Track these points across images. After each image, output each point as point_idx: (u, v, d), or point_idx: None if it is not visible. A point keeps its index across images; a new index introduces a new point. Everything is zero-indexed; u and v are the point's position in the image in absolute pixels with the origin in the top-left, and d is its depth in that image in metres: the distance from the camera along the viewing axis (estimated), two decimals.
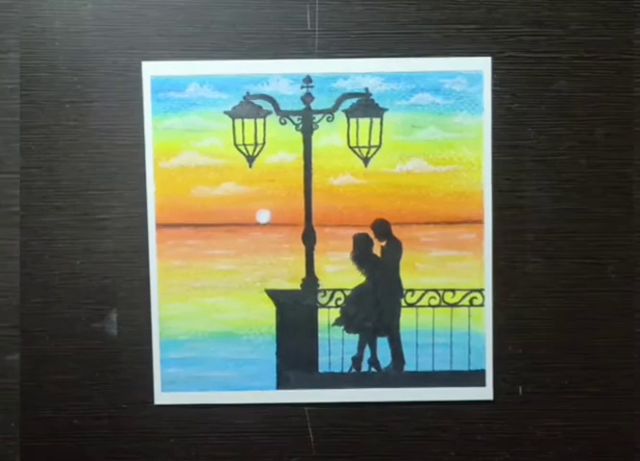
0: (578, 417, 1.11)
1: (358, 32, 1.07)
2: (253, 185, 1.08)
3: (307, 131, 1.08)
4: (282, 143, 1.08)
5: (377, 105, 1.08)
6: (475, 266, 1.09)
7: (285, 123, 1.08)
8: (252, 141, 1.08)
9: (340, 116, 1.08)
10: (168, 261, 1.09)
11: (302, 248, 1.09)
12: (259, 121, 1.08)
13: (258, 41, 1.07)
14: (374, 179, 1.08)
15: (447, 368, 1.10)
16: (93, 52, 1.07)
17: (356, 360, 1.11)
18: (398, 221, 1.09)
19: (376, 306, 1.10)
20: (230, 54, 1.07)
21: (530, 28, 1.07)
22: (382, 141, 1.08)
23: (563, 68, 1.08)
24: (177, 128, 1.08)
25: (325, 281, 1.10)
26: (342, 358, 1.11)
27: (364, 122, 1.08)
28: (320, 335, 1.10)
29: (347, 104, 1.08)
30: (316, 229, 1.09)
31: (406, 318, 1.10)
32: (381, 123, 1.08)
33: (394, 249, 1.09)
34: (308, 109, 1.08)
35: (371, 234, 1.09)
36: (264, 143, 1.08)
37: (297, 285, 1.10)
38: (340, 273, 1.10)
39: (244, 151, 1.08)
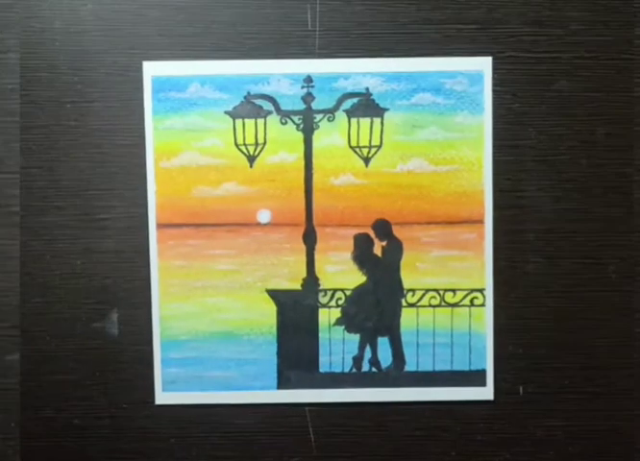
0: (579, 417, 1.11)
1: (359, 32, 1.07)
2: (253, 185, 1.08)
3: (308, 130, 1.08)
4: (282, 143, 1.08)
5: (377, 105, 1.08)
6: (475, 266, 1.09)
7: (286, 123, 1.08)
8: (252, 141, 1.08)
9: (341, 116, 1.08)
10: (169, 261, 1.09)
11: (302, 248, 1.09)
12: (260, 121, 1.08)
13: (259, 41, 1.07)
14: (375, 179, 1.08)
15: (447, 368, 1.10)
16: (94, 52, 1.07)
17: (357, 360, 1.11)
18: (399, 221, 1.09)
19: (376, 306, 1.10)
20: (230, 54, 1.07)
21: (531, 28, 1.07)
22: (383, 141, 1.08)
23: (564, 68, 1.08)
24: (177, 128, 1.08)
25: (326, 281, 1.10)
26: (343, 358, 1.11)
27: (365, 122, 1.08)
28: (321, 335, 1.10)
29: (348, 104, 1.08)
30: (317, 228, 1.09)
31: (407, 318, 1.10)
32: (382, 123, 1.08)
33: (395, 249, 1.09)
34: (309, 108, 1.08)
35: (372, 234, 1.09)
36: (265, 143, 1.08)
37: (298, 285, 1.10)
38: (341, 273, 1.10)
39: (245, 151, 1.08)
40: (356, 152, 1.08)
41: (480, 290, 1.10)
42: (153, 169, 1.08)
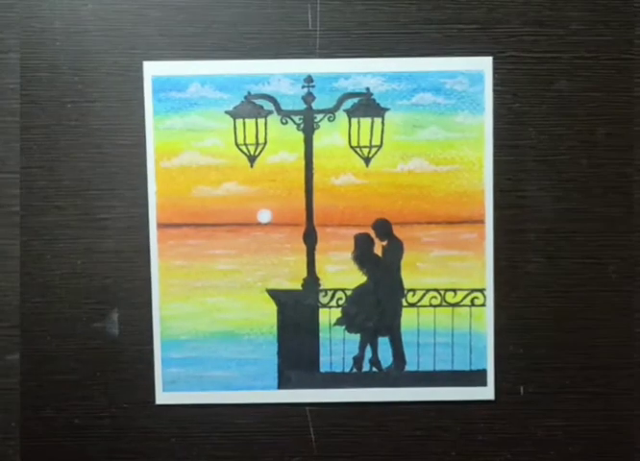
0: (579, 417, 1.11)
1: (360, 31, 1.07)
2: (254, 185, 1.08)
3: (309, 130, 1.08)
4: (283, 143, 1.08)
5: (378, 104, 1.08)
6: (476, 266, 1.09)
7: (287, 123, 1.08)
8: (253, 141, 1.08)
9: (341, 116, 1.08)
10: (169, 261, 1.09)
11: (303, 248, 1.09)
12: (261, 121, 1.08)
13: (260, 41, 1.07)
14: (375, 178, 1.08)
15: (448, 368, 1.10)
16: (94, 52, 1.07)
17: (358, 360, 1.11)
18: (399, 221, 1.09)
19: (377, 306, 1.10)
20: (231, 54, 1.07)
21: (531, 28, 1.07)
22: (384, 141, 1.08)
23: (564, 68, 1.08)
24: (178, 128, 1.08)
25: (326, 281, 1.10)
26: (343, 358, 1.10)
27: (365, 122, 1.08)
28: (321, 335, 1.10)
29: (348, 103, 1.08)
30: (317, 228, 1.09)
31: (408, 318, 1.10)
32: (383, 123, 1.08)
33: (395, 249, 1.09)
34: (310, 108, 1.08)
35: (372, 234, 1.09)
36: (265, 143, 1.08)
37: (298, 285, 1.10)
38: (341, 273, 1.10)
39: (245, 151, 1.08)
40: (356, 152, 1.08)
41: (481, 290, 1.10)
42: (153, 169, 1.08)
